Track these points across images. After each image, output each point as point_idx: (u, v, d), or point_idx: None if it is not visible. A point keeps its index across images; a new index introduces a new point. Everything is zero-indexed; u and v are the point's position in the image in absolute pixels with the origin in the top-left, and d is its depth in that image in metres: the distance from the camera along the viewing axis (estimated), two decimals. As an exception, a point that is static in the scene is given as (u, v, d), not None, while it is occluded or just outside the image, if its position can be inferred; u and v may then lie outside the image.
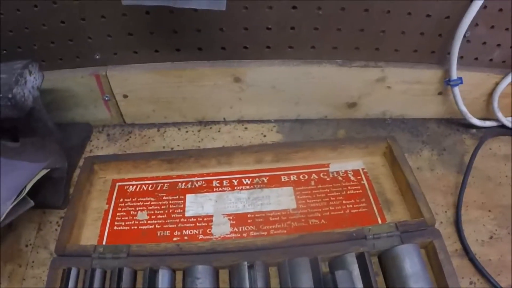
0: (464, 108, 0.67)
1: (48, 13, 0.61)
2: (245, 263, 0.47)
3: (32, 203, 0.55)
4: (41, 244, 0.60)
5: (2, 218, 0.51)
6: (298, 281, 0.46)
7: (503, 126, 0.70)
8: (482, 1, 0.56)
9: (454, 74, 0.64)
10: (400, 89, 0.68)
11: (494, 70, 0.66)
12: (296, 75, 0.67)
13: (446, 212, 0.60)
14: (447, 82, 0.65)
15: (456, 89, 0.65)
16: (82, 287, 0.48)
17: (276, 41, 0.64)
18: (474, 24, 0.59)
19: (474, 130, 0.71)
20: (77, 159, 0.69)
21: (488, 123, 0.70)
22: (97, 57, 0.66)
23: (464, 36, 0.60)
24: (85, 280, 0.49)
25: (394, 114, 0.73)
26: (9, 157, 0.61)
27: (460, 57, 0.63)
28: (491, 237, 0.57)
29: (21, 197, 0.54)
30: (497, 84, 0.66)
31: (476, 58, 0.66)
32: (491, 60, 0.66)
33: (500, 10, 0.58)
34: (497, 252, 0.55)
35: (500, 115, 0.69)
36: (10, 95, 0.53)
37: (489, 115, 0.70)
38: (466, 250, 0.55)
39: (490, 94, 0.68)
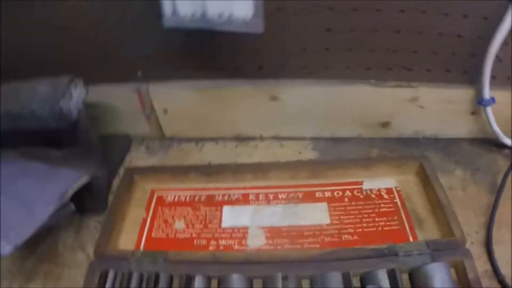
0: (497, 128, 0.66)
1: (93, 32, 0.64)
2: (279, 274, 0.48)
3: (73, 207, 0.57)
4: (78, 246, 0.62)
5: (45, 221, 0.53)
6: None
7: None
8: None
9: (487, 94, 0.63)
10: (433, 108, 0.68)
11: None
12: (331, 94, 0.68)
13: (477, 232, 0.58)
14: (479, 102, 0.65)
15: (489, 109, 0.65)
16: (120, 288, 0.50)
17: (311, 62, 0.65)
18: (505, 43, 0.59)
19: (507, 150, 0.69)
20: (117, 169, 0.72)
21: None
22: (140, 74, 0.69)
23: (496, 56, 0.60)
24: (122, 283, 0.50)
25: (427, 133, 0.72)
26: (53, 164, 0.63)
27: (492, 77, 0.62)
28: None
29: (64, 202, 0.56)
30: None
31: (508, 78, 0.65)
32: None
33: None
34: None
35: None
36: (57, 108, 0.56)
37: None
38: (496, 272, 0.53)
39: None
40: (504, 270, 0.53)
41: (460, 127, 0.71)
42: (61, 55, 0.67)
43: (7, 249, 0.49)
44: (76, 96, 0.60)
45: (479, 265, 0.53)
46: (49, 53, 0.67)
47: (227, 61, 0.67)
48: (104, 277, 0.51)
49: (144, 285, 0.50)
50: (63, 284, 0.57)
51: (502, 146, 0.69)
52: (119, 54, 0.67)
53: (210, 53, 0.66)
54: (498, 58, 0.61)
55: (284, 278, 0.48)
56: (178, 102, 0.71)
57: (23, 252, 0.62)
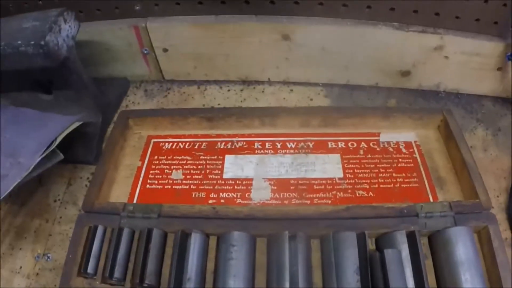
0: None
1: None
2: (286, 232, 0.44)
3: (61, 156, 0.53)
4: (70, 200, 0.59)
5: (29, 170, 0.49)
6: (342, 257, 0.43)
7: None
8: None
9: None
10: (458, 60, 0.63)
11: None
12: (349, 36, 0.62)
13: (498, 197, 0.55)
14: (509, 57, 0.60)
15: None
16: (108, 246, 0.46)
17: (328, -2, 0.59)
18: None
19: None
20: (112, 115, 0.67)
21: None
22: (137, 8, 0.63)
23: None
24: (111, 240, 0.46)
25: (448, 87, 0.68)
26: (42, 109, 0.59)
27: None
28: None
29: (51, 149, 0.51)
30: None
31: None
32: None
33: None
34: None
35: None
36: (42, 42, 0.51)
37: None
38: None
39: None
40: None
41: (484, 83, 0.66)
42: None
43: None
44: (66, 30, 0.54)
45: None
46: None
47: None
48: (92, 233, 0.47)
49: (135, 242, 0.46)
50: (55, 241, 0.55)
51: None
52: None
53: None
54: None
55: (292, 237, 0.44)
56: (180, 40, 0.65)
57: (13, 208, 0.59)
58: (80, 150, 0.61)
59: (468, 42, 0.61)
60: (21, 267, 0.53)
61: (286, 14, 0.62)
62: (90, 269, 0.45)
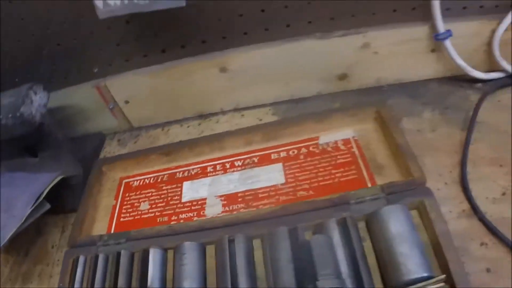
0: (461, 62, 0.63)
1: (44, 38, 0.68)
2: (226, 236, 0.50)
3: (48, 205, 0.61)
4: (65, 244, 0.65)
5: (23, 221, 0.58)
6: (277, 251, 0.47)
7: (511, 75, 0.64)
8: None
9: (441, 27, 0.61)
10: (388, 52, 0.66)
11: (488, 17, 0.61)
12: (278, 55, 0.68)
13: (451, 172, 0.56)
14: (436, 37, 0.62)
15: (448, 43, 0.62)
16: (88, 271, 0.54)
17: (251, 26, 0.66)
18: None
19: (479, 85, 0.65)
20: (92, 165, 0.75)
21: (493, 75, 0.65)
22: (95, 70, 0.73)
23: None
24: (90, 266, 0.54)
25: (390, 79, 0.71)
26: (29, 171, 0.68)
27: (446, 9, 0.60)
28: (503, 193, 0.52)
29: (39, 201, 0.60)
30: (494, 31, 0.62)
31: (465, 7, 0.62)
32: (481, 7, 0.62)
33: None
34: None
35: (504, 64, 0.63)
36: (18, 114, 0.60)
37: (494, 66, 0.65)
38: (474, 210, 0.51)
39: (490, 44, 0.63)
40: (485, 206, 0.51)
41: (424, 67, 0.69)
42: (20, 67, 0.72)
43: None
44: (37, 101, 0.64)
45: (456, 205, 0.52)
46: (8, 65, 0.72)
47: (171, 41, 0.69)
48: (75, 263, 0.56)
49: (109, 265, 0.54)
50: (56, 280, 0.60)
51: (474, 81, 0.66)
52: (73, 55, 0.71)
53: (153, 37, 0.69)
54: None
55: (231, 240, 0.50)
56: (136, 90, 0.74)
57: (18, 258, 0.68)
58: (68, 200, 0.69)
59: (392, 33, 0.64)
60: None
61: (218, 49, 0.69)
62: (75, 293, 0.53)
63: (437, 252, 0.45)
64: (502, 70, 0.64)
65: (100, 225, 0.63)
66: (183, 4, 0.57)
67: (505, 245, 0.47)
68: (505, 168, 0.54)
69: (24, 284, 0.64)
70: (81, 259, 0.56)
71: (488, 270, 0.46)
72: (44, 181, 0.64)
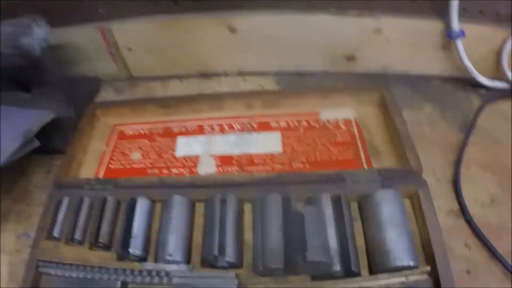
0: (468, 63, 0.64)
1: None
2: (218, 195, 0.50)
3: (37, 142, 0.59)
4: (48, 186, 0.63)
5: (9, 155, 0.56)
6: (268, 217, 0.47)
7: (515, 87, 0.65)
8: None
9: (455, 25, 0.61)
10: (400, 41, 0.67)
11: (502, 25, 0.62)
12: (290, 24, 0.67)
13: (444, 169, 0.57)
14: (448, 35, 0.63)
15: (459, 42, 0.63)
16: (72, 215, 0.53)
17: (267, -10, 0.65)
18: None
19: (482, 90, 0.67)
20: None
21: (498, 83, 0.67)
22: (101, 12, 0.70)
23: None
24: (74, 209, 0.53)
25: (396, 69, 0.71)
26: (20, 105, 0.66)
27: (463, 9, 0.61)
28: (492, 200, 0.54)
29: (28, 137, 0.58)
30: (505, 41, 0.63)
31: (481, 11, 0.63)
32: (497, 14, 0.63)
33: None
34: (498, 216, 0.52)
35: (510, 75, 0.65)
36: (18, 44, 0.58)
37: (499, 75, 0.66)
38: (463, 210, 0.53)
39: (499, 52, 0.65)
40: (473, 209, 0.53)
41: (431, 63, 0.69)
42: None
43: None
44: (39, 33, 0.61)
45: (445, 203, 0.54)
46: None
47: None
48: (58, 204, 0.54)
49: (94, 210, 0.53)
50: (35, 221, 0.59)
51: (478, 86, 0.67)
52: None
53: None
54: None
55: (223, 200, 0.50)
56: (141, 38, 0.72)
57: None
58: (57, 141, 0.67)
59: (406, 23, 0.64)
60: (4, 246, 0.60)
61: (231, 9, 0.67)
62: (55, 233, 0.52)
63: (424, 243, 0.45)
64: (507, 80, 0.65)
65: (88, 169, 0.61)
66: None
67: (487, 250, 0.49)
68: (497, 175, 0.56)
69: (1, 222, 0.63)
70: (65, 201, 0.54)
71: (468, 272, 0.48)
72: (34, 118, 0.62)
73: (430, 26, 0.64)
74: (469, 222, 0.52)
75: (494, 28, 0.63)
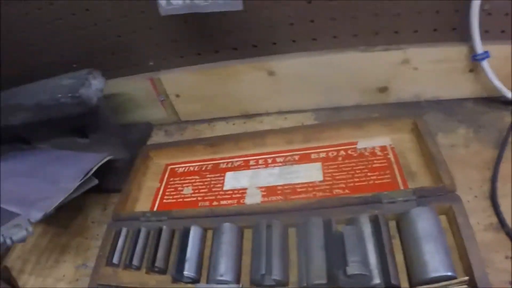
0: (498, 83, 0.65)
1: (106, 30, 0.73)
2: (264, 221, 0.53)
3: (96, 181, 0.65)
4: (105, 221, 0.69)
5: (70, 192, 0.62)
6: (310, 238, 0.50)
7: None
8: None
9: (479, 47, 0.63)
10: (428, 69, 0.68)
11: None
12: (323, 64, 0.71)
13: (481, 186, 0.58)
14: (474, 58, 0.64)
15: (485, 64, 0.64)
16: (130, 244, 0.58)
17: (299, 35, 0.70)
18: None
19: None
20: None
21: None
22: (151, 63, 0.78)
23: (484, 9, 0.60)
24: (132, 238, 0.58)
25: (428, 96, 0.73)
26: (79, 150, 0.74)
27: (485, 32, 0.62)
28: None
29: (87, 177, 0.64)
30: None
31: (503, 31, 0.64)
32: None
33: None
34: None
35: None
36: (77, 94, 0.66)
37: None
38: (502, 224, 0.52)
39: None
40: (511, 222, 0.52)
41: (461, 86, 0.70)
42: (81, 56, 0.77)
43: (38, 216, 0.58)
44: (95, 84, 0.69)
45: (483, 218, 0.54)
46: (70, 53, 0.77)
47: (225, 42, 0.74)
48: (118, 234, 0.60)
49: (150, 239, 0.58)
50: (92, 253, 0.66)
51: (509, 102, 0.67)
52: (131, 47, 0.76)
53: (208, 36, 0.73)
54: (486, 11, 0.61)
55: (269, 226, 0.53)
56: (187, 85, 0.79)
57: (58, 230, 0.72)
58: (113, 181, 0.73)
59: (432, 51, 0.66)
60: (64, 275, 0.65)
61: (268, 54, 0.73)
62: (115, 260, 0.57)
63: (462, 256, 0.46)
64: (537, 95, 0.65)
65: (143, 204, 0.66)
66: (240, 7, 0.61)
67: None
68: (534, 189, 0.56)
69: (61, 254, 0.69)
70: (124, 231, 0.60)
71: (510, 283, 0.48)
72: (92, 159, 0.68)
73: (455, 52, 0.65)
74: (509, 234, 0.51)
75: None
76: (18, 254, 0.71)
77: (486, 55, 0.63)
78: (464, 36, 0.64)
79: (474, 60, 0.65)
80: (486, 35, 0.62)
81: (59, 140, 0.78)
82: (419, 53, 0.67)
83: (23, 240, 0.56)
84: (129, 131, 0.80)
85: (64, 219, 0.73)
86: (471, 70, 0.67)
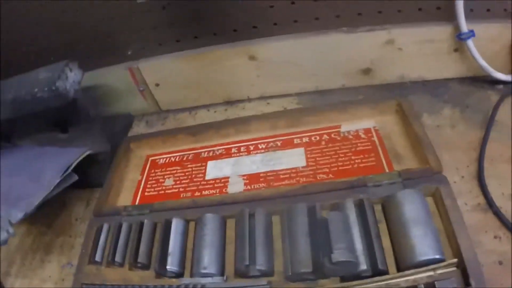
0: (483, 63, 0.64)
1: (82, 20, 0.71)
2: (247, 210, 0.52)
3: (76, 177, 0.63)
4: (89, 217, 0.66)
5: (51, 189, 0.60)
6: (295, 225, 0.49)
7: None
8: None
9: (464, 27, 0.62)
10: (412, 49, 0.67)
11: (510, 20, 0.61)
12: (306, 47, 0.70)
13: (468, 166, 0.57)
14: (459, 37, 0.63)
15: (470, 43, 0.63)
16: (111, 239, 0.56)
17: (281, 18, 0.68)
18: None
19: (501, 86, 0.66)
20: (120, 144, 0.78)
21: None
22: (129, 53, 0.76)
23: None
24: (114, 234, 0.57)
25: (412, 77, 0.72)
26: (59, 145, 0.71)
27: (470, 10, 0.61)
28: None
29: (67, 173, 0.62)
30: None
31: (489, 10, 0.63)
32: (505, 10, 0.63)
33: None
34: (525, 206, 0.51)
35: None
36: (53, 88, 0.63)
37: None
38: (489, 204, 0.52)
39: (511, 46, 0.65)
40: (499, 202, 0.52)
41: (446, 67, 0.70)
42: (58, 47, 0.75)
43: (19, 216, 0.57)
44: (72, 77, 0.67)
45: (471, 198, 0.54)
46: (47, 45, 0.75)
47: (204, 28, 0.72)
48: (99, 231, 0.58)
49: (132, 234, 0.57)
50: (77, 252, 0.63)
51: (495, 82, 0.67)
52: (108, 36, 0.74)
53: (187, 22, 0.71)
54: (471, -10, 0.60)
55: (252, 214, 0.52)
56: (167, 74, 0.77)
57: (42, 229, 0.71)
58: (95, 176, 0.71)
59: (416, 31, 0.65)
60: (50, 276, 0.64)
61: (249, 38, 0.71)
62: (97, 258, 0.55)
63: (450, 238, 0.46)
64: (523, 73, 0.64)
65: (125, 198, 0.65)
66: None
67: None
68: (522, 167, 0.55)
69: (46, 254, 0.67)
70: (105, 227, 0.58)
71: (500, 263, 0.47)
72: (73, 154, 0.66)
73: (440, 31, 0.65)
74: (497, 214, 0.51)
75: (504, 24, 0.63)
76: (3, 255, 0.69)
77: (471, 34, 0.62)
78: (449, 16, 0.63)
79: (459, 39, 0.64)
80: (471, 14, 0.62)
81: (39, 136, 0.76)
82: (404, 33, 0.66)
83: (5, 242, 0.55)
84: (110, 123, 0.78)
85: (48, 217, 0.71)
86: (456, 50, 0.67)
